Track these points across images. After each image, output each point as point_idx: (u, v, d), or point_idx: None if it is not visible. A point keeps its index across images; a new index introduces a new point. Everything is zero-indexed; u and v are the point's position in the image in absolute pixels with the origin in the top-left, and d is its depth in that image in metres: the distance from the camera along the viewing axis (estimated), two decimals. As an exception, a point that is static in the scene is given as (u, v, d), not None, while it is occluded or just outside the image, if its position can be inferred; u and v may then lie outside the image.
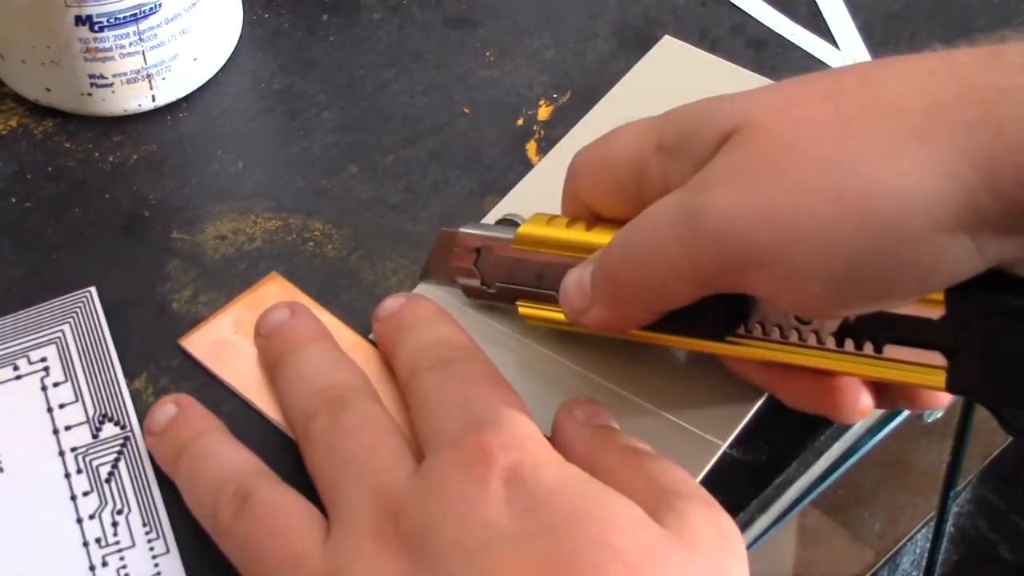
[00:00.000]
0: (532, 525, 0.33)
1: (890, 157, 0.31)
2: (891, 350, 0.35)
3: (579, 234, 0.39)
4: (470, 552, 0.33)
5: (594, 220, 0.40)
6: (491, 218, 0.46)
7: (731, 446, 0.40)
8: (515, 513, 0.34)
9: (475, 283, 0.42)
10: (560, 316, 0.40)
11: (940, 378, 0.35)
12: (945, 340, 0.34)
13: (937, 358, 0.34)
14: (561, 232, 0.40)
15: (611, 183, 0.39)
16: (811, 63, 0.53)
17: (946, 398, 0.37)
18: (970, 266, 0.32)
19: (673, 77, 0.51)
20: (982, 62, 0.31)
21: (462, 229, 0.42)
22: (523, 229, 0.40)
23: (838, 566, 0.61)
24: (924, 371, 0.35)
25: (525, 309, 0.41)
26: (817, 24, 0.54)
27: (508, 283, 0.41)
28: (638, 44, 0.53)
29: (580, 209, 0.40)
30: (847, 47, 0.53)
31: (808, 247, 0.32)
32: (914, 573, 0.59)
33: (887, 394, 0.38)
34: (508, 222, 0.43)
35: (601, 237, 0.38)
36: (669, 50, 0.52)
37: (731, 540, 0.35)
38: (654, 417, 0.41)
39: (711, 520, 0.35)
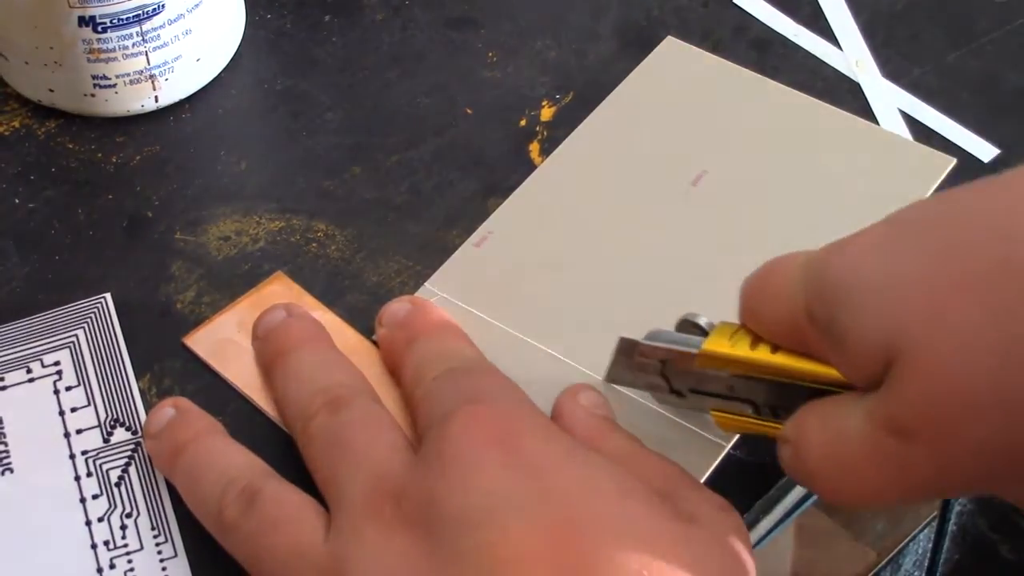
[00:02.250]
0: (538, 492, 0.33)
1: None
2: None
3: (766, 355, 0.37)
4: (476, 521, 0.32)
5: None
6: (493, 220, 0.46)
7: (734, 447, 0.40)
8: (519, 480, 0.33)
9: (664, 389, 0.40)
10: (757, 428, 0.38)
11: None
12: None
13: None
14: (747, 352, 0.37)
15: (773, 332, 0.36)
16: (813, 63, 0.53)
17: None
18: None
19: (675, 78, 0.51)
20: None
21: (644, 340, 0.40)
22: (707, 346, 0.38)
23: (839, 566, 0.61)
24: None
25: (719, 417, 0.39)
26: (819, 24, 0.54)
27: (699, 391, 0.39)
28: (640, 45, 0.53)
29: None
30: (849, 48, 0.53)
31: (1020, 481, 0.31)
32: (916, 573, 0.59)
33: None
34: (689, 324, 0.40)
35: (789, 361, 0.36)
36: (671, 51, 0.53)
37: (740, 532, 0.35)
38: (658, 417, 0.41)
39: (722, 508, 0.35)
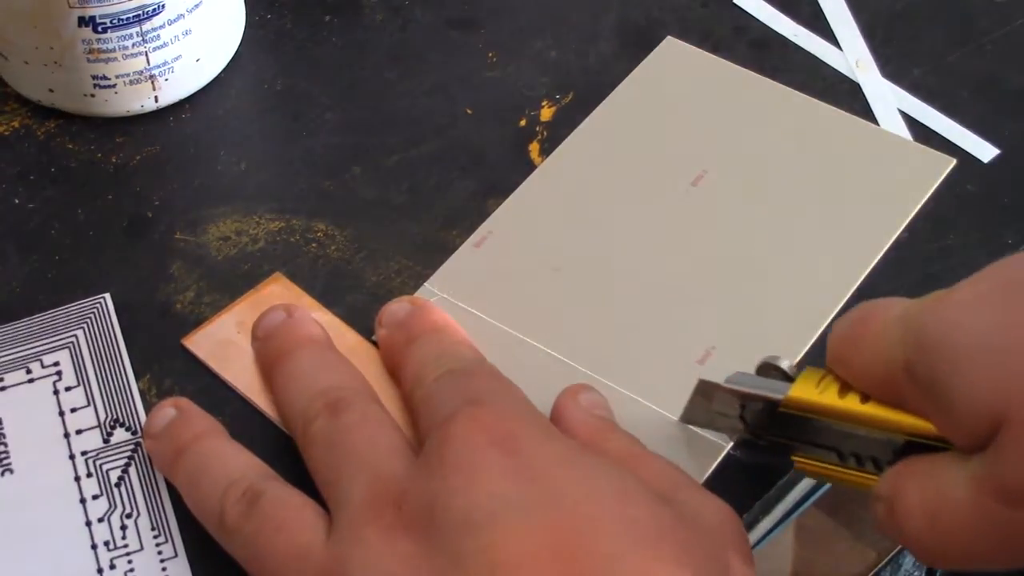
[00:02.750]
0: (539, 495, 0.33)
1: None
2: None
3: (855, 405, 0.35)
4: (477, 524, 0.32)
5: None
6: (494, 221, 0.46)
7: (734, 447, 0.40)
8: (520, 483, 0.33)
9: (742, 432, 0.39)
10: (842, 477, 0.37)
11: None
12: None
13: None
14: (835, 401, 0.36)
15: (865, 384, 0.35)
16: (813, 64, 0.53)
17: None
18: None
19: (675, 79, 0.51)
20: None
21: (725, 383, 0.38)
22: (794, 393, 0.36)
23: (839, 566, 0.61)
24: None
25: (802, 464, 0.38)
26: (819, 25, 0.54)
27: (781, 439, 0.38)
28: (640, 45, 0.53)
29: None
30: (849, 48, 0.53)
31: None
32: (916, 573, 0.59)
33: None
34: (770, 367, 0.38)
35: (881, 412, 0.35)
36: (671, 51, 0.53)
37: (740, 534, 0.35)
38: (659, 418, 0.41)
39: (720, 511, 0.35)
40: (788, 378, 0.37)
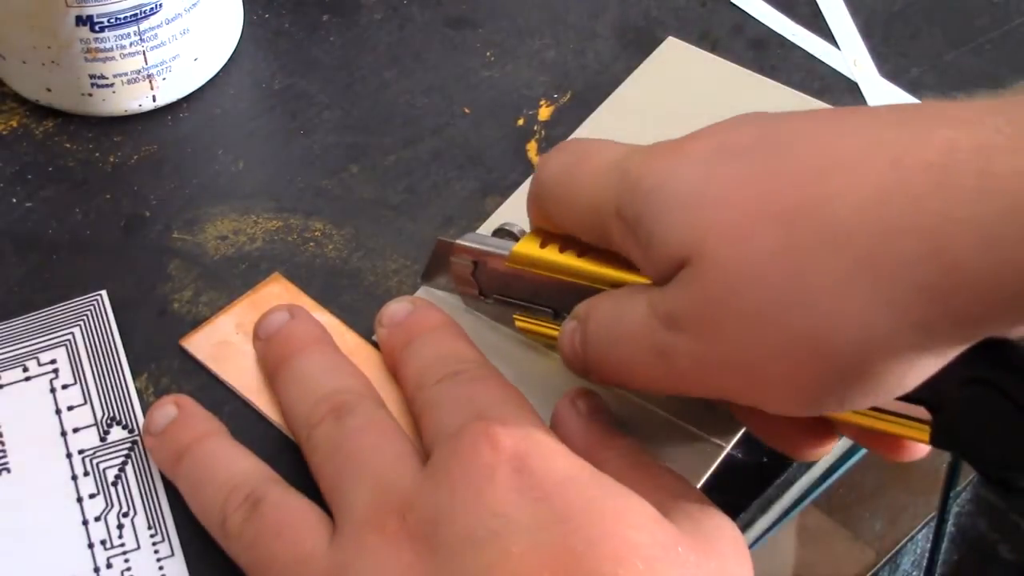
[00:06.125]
0: (544, 515, 0.33)
1: (843, 296, 0.31)
2: None
3: (572, 260, 0.39)
4: (481, 542, 0.33)
5: (585, 246, 0.39)
6: (494, 221, 0.46)
7: (733, 447, 0.40)
8: (525, 503, 0.33)
9: (473, 293, 0.42)
10: (555, 333, 0.40)
11: (924, 433, 0.34)
12: (929, 396, 0.33)
13: (921, 411, 0.34)
14: (555, 256, 0.39)
15: (575, 223, 0.38)
16: (811, 63, 0.53)
17: (925, 450, 0.37)
18: (937, 366, 0.32)
19: (676, 78, 0.51)
20: (935, 181, 0.30)
21: (459, 240, 0.42)
22: (517, 248, 0.40)
23: (838, 566, 0.61)
24: (908, 424, 0.34)
25: (522, 323, 0.41)
26: (817, 24, 0.54)
27: (505, 296, 0.41)
28: (639, 44, 0.53)
29: (549, 223, 0.40)
30: (847, 47, 0.53)
31: (776, 387, 0.33)
32: (914, 573, 0.59)
33: (868, 440, 0.37)
34: (505, 232, 0.42)
35: (594, 266, 0.38)
36: (672, 51, 0.52)
37: (741, 548, 0.35)
38: (658, 419, 0.41)
39: (721, 526, 0.35)
40: (517, 240, 0.40)
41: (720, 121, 0.35)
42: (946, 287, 0.29)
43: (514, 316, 0.41)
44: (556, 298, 0.39)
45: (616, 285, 0.37)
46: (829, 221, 0.31)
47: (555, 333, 0.40)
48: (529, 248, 0.40)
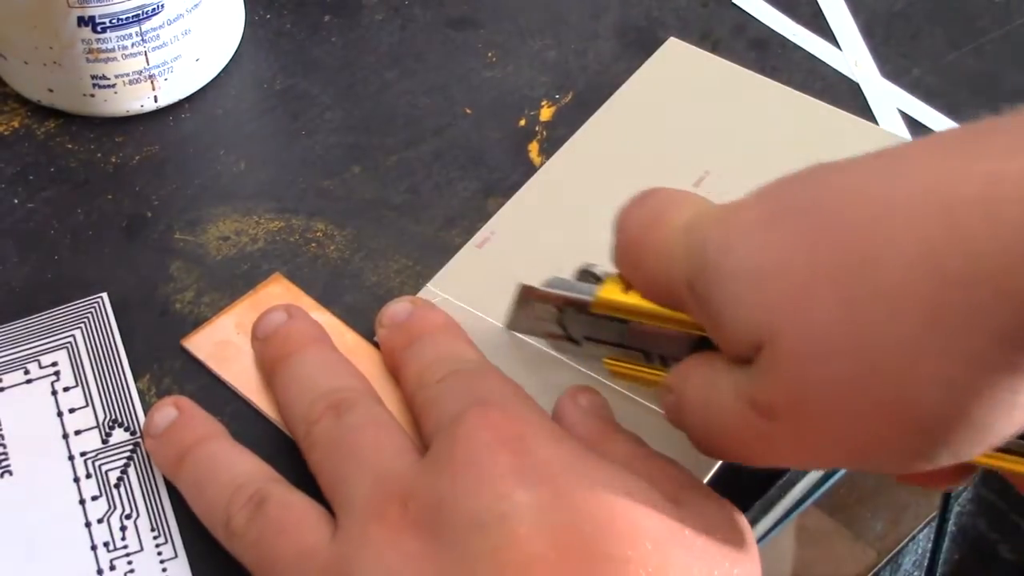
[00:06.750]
0: (549, 497, 0.33)
1: (914, 357, 0.29)
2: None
3: (657, 306, 0.37)
4: (486, 525, 0.32)
5: None
6: (496, 220, 0.46)
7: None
8: (529, 485, 0.33)
9: (561, 336, 0.41)
10: (647, 377, 0.39)
11: None
12: None
13: None
14: (639, 301, 0.38)
15: (653, 293, 0.37)
16: (812, 63, 0.53)
17: None
18: None
19: (678, 79, 0.51)
20: (980, 219, 0.28)
21: (541, 287, 0.41)
22: (602, 294, 0.38)
23: (839, 566, 0.61)
24: None
25: (612, 366, 0.40)
26: (819, 24, 0.54)
27: (594, 339, 0.40)
28: (640, 45, 0.53)
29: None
30: (848, 47, 0.53)
31: (877, 455, 0.32)
32: (916, 573, 0.59)
33: (1014, 480, 0.36)
34: (588, 274, 0.41)
35: (680, 312, 0.37)
36: (674, 52, 0.53)
37: (747, 534, 0.35)
38: (660, 419, 0.41)
39: (724, 511, 0.35)
40: (601, 283, 0.39)
41: (779, 179, 0.33)
42: (1018, 323, 0.28)
43: (604, 360, 0.40)
44: (646, 341, 0.38)
45: (701, 330, 0.35)
46: (884, 279, 0.29)
47: (648, 376, 0.39)
48: (613, 293, 0.38)
